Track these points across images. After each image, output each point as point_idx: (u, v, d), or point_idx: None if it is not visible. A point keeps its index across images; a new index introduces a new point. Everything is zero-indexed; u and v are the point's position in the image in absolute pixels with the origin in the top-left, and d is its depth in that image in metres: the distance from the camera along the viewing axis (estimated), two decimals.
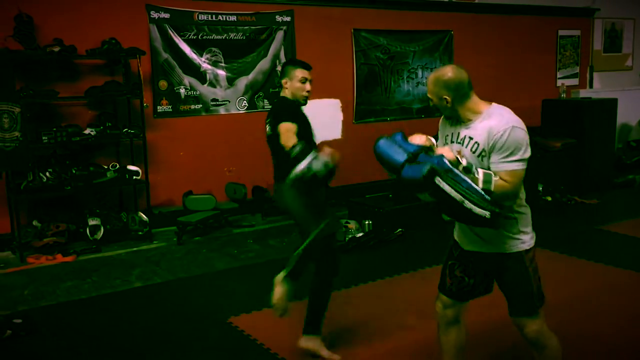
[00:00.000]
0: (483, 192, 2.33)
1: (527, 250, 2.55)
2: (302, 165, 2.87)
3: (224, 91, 6.59)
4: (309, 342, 3.32)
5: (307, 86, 3.33)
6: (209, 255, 5.40)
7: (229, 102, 6.61)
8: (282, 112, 3.28)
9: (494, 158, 2.43)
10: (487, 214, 2.30)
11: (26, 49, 5.27)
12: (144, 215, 5.82)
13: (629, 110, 8.64)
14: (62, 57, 5.46)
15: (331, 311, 4.00)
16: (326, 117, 7.29)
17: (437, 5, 7.91)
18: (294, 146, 2.99)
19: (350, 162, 7.44)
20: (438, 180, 2.29)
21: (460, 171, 2.36)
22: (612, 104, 7.84)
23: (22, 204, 5.51)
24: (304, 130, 3.24)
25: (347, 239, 5.54)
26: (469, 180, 2.34)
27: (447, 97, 2.49)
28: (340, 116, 7.40)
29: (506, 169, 2.41)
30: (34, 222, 5.56)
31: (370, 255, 5.28)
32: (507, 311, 2.63)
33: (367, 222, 5.84)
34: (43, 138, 5.31)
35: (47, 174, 5.42)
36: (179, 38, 6.24)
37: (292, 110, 3.28)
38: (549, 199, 7.08)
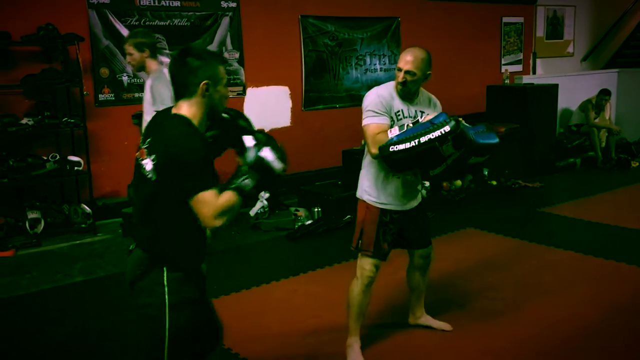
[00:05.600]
0: None
1: None
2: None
3: None
4: None
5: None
6: None
7: None
8: (189, 161, 1.94)
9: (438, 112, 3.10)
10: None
11: None
12: (86, 207, 5.65)
13: (569, 96, 8.88)
14: None
15: (280, 299, 3.99)
16: (275, 105, 7.24)
17: None
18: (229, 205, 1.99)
19: (300, 149, 7.43)
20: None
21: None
22: (553, 89, 8.05)
23: None
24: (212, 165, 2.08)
25: (296, 226, 5.54)
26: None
27: (430, 73, 2.94)
28: (288, 103, 7.35)
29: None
30: None
31: (319, 243, 5.28)
32: None
33: (316, 210, 5.85)
34: None
35: None
36: (120, 24, 6.05)
37: (202, 156, 1.98)
38: (494, 183, 7.25)
